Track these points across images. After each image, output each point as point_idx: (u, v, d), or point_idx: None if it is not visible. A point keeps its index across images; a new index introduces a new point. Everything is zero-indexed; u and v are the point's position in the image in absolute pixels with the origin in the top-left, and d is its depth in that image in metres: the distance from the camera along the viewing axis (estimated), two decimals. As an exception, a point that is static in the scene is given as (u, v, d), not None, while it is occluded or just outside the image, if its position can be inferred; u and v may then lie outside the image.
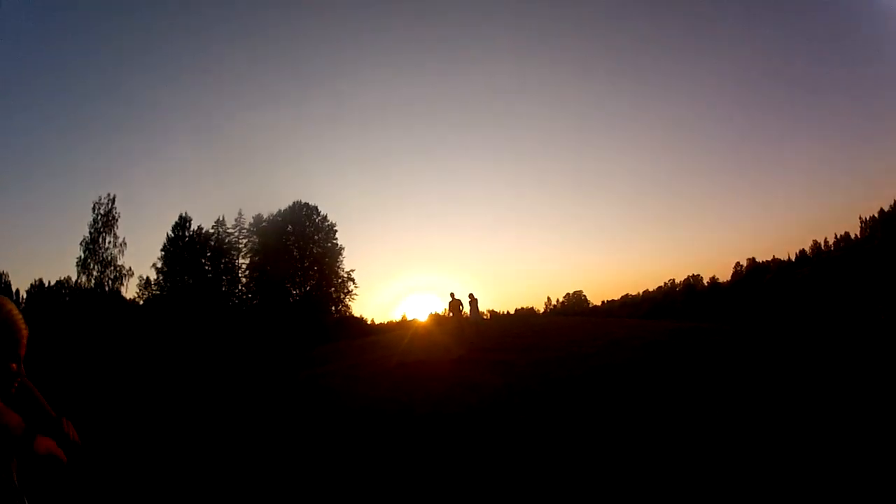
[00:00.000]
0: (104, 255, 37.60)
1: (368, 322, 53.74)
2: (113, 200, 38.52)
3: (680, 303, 60.45)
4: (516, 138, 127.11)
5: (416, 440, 5.43)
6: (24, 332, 1.41)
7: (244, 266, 46.24)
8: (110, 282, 37.74)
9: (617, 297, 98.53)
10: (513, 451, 4.71)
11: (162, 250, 43.09)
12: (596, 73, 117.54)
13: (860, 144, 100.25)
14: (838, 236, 79.74)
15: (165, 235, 43.67)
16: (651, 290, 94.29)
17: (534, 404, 6.59)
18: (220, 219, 45.95)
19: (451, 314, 17.34)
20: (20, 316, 1.41)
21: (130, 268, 38.92)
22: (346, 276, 46.89)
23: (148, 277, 42.83)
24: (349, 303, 47.51)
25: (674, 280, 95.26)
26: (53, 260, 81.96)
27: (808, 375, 6.88)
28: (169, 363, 19.81)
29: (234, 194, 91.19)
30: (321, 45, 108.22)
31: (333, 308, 46.66)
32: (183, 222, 44.02)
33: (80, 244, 37.43)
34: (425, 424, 6.04)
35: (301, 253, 46.19)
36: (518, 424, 5.66)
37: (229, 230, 46.01)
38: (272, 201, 68.35)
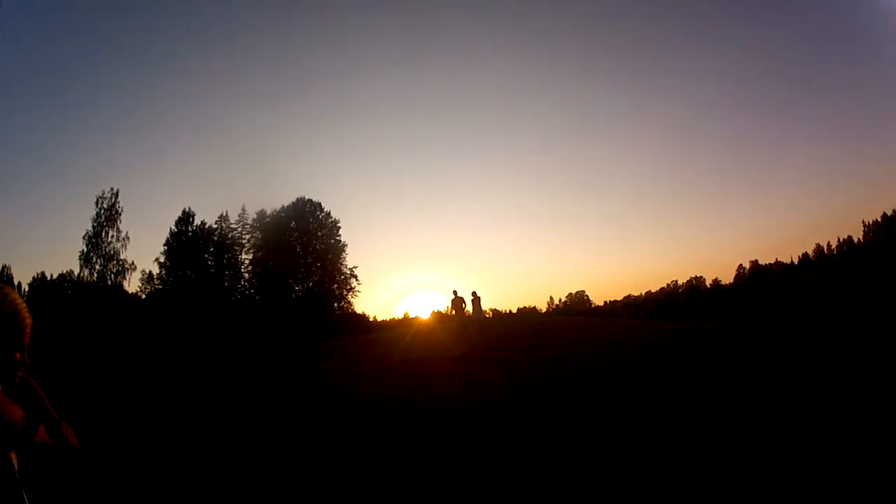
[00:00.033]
0: (107, 249, 37.60)
1: (371, 319, 53.76)
2: (116, 195, 38.53)
3: (682, 304, 60.42)
4: (518, 137, 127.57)
5: (418, 437, 5.40)
6: (28, 321, 1.38)
7: (247, 262, 46.24)
8: (113, 276, 37.77)
9: (619, 297, 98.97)
10: (516, 450, 4.67)
11: (165, 245, 43.11)
12: (596, 73, 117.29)
13: (861, 146, 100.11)
14: (841, 240, 79.58)
15: (168, 230, 43.75)
16: (654, 291, 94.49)
17: (537, 403, 6.55)
18: (224, 214, 45.91)
19: (453, 312, 17.36)
20: (24, 304, 1.38)
21: (133, 262, 38.97)
22: (348, 272, 46.90)
23: (150, 272, 42.87)
24: (352, 299, 47.51)
25: (676, 281, 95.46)
26: (56, 254, 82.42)
27: (810, 378, 6.82)
28: (171, 358, 19.86)
29: (238, 190, 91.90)
30: (323, 44, 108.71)
31: (336, 305, 46.63)
32: (186, 217, 44.01)
33: (83, 238, 37.50)
34: (428, 422, 6.02)
35: (304, 249, 46.15)
36: (521, 423, 5.62)
37: (232, 226, 45.97)
38: (275, 197, 67.85)
